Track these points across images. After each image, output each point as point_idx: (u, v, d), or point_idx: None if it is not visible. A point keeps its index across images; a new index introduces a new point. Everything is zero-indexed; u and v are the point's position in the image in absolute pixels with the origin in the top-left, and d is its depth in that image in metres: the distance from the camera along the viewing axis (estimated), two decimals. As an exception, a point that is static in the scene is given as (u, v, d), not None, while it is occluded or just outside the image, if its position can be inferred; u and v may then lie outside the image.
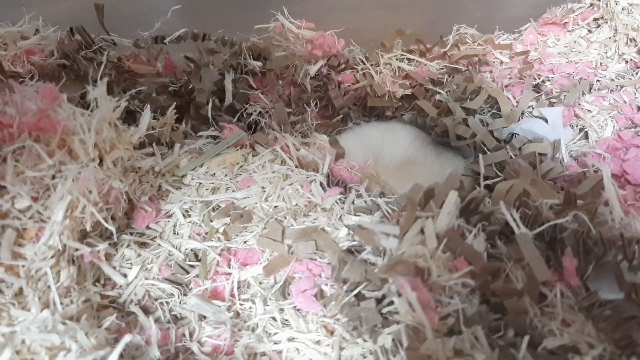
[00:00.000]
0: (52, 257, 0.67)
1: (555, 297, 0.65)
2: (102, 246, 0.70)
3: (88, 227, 0.70)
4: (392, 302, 0.67)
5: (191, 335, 0.70)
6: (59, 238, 0.66)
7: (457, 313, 0.63)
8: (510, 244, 0.70)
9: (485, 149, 0.97)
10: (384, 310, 0.68)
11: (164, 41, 1.06)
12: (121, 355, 0.65)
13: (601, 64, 1.09)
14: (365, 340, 0.69)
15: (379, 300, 0.70)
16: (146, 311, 0.73)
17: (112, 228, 0.70)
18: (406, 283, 0.64)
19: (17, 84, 0.77)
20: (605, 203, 0.73)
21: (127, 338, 0.57)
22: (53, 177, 0.70)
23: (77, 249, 0.69)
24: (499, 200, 0.73)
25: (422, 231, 0.71)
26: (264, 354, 0.70)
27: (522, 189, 0.73)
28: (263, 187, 0.88)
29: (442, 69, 1.14)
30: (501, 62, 1.14)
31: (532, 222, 0.72)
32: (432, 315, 0.62)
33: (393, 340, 0.65)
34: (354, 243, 0.79)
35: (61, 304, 0.66)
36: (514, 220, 0.69)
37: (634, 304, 0.63)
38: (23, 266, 0.66)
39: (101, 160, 0.75)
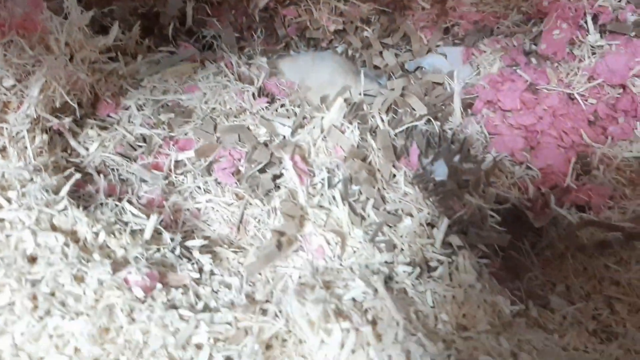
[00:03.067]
0: (29, 123, 0.89)
1: (400, 176, 0.88)
2: (68, 119, 0.92)
3: (57, 104, 0.91)
4: (282, 174, 0.90)
5: (133, 191, 0.93)
6: (35, 109, 0.88)
7: (324, 180, 0.86)
8: (376, 137, 0.92)
9: (393, 76, 1.19)
10: (277, 181, 0.91)
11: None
12: (79, 198, 0.88)
13: (504, 13, 1.29)
14: (263, 204, 0.92)
15: (276, 176, 0.93)
16: (100, 174, 0.95)
17: (74, 105, 0.92)
18: (289, 160, 0.87)
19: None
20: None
21: (76, 176, 0.80)
22: (33, 65, 0.91)
23: (48, 121, 0.91)
24: (376, 107, 0.95)
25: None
26: (187, 209, 0.93)
27: (393, 100, 0.95)
28: (205, 93, 1.10)
29: (372, 10, 1.33)
30: (423, 8, 1.34)
31: (398, 123, 0.94)
32: (304, 181, 0.85)
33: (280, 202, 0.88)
34: (268, 138, 1.01)
35: (34, 159, 0.88)
36: (382, 120, 0.91)
37: (454, 183, 0.86)
38: (7, 129, 0.88)
39: (72, 58, 0.97)
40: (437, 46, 1.25)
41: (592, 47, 1.11)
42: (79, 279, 0.66)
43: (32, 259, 0.67)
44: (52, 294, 0.64)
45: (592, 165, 1.00)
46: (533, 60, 1.15)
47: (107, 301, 0.65)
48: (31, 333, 0.61)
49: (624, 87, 1.08)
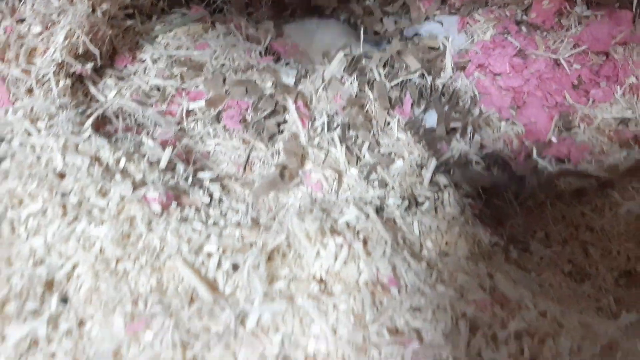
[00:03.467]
0: (54, 67, 0.97)
1: (394, 122, 0.96)
2: (90, 65, 1.00)
3: (80, 51, 0.99)
4: (286, 121, 0.98)
5: (148, 133, 1.01)
6: (60, 54, 0.96)
7: (322, 125, 0.94)
8: (373, 88, 1.00)
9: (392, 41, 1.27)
10: (281, 127, 0.99)
11: None
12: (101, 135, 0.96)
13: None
14: (267, 148, 1.00)
15: (279, 123, 1.01)
16: (118, 117, 1.03)
17: (96, 51, 1.00)
18: (292, 104, 0.95)
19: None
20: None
21: (99, 111, 0.88)
22: (58, 15, 0.99)
23: (72, 66, 0.99)
24: (374, 63, 1.03)
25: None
26: (198, 151, 1.01)
27: (390, 56, 1.03)
28: (215, 50, 1.17)
29: (374, -20, 1.42)
30: (423, -21, 1.42)
31: (393, 77, 1.02)
32: (305, 124, 0.93)
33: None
34: (273, 91, 1.09)
35: (58, 98, 0.96)
36: (379, 74, 0.99)
37: (443, 129, 0.94)
38: (34, 71, 0.95)
39: (94, 10, 1.05)
40: (434, 15, 1.32)
41: (579, 16, 1.19)
42: (103, 193, 0.74)
43: (61, 176, 0.75)
44: (80, 205, 0.72)
45: (573, 123, 1.08)
46: (523, 28, 1.23)
47: (128, 213, 0.73)
48: (61, 235, 0.69)
49: (606, 54, 1.15)
